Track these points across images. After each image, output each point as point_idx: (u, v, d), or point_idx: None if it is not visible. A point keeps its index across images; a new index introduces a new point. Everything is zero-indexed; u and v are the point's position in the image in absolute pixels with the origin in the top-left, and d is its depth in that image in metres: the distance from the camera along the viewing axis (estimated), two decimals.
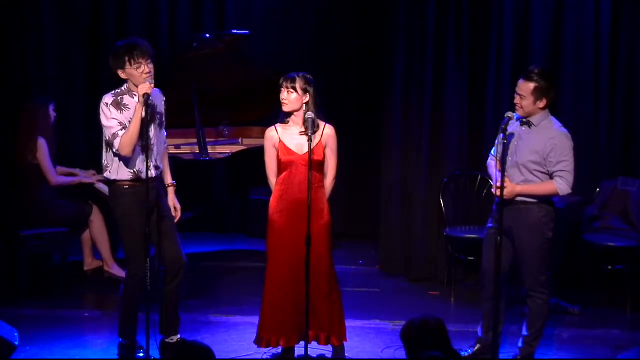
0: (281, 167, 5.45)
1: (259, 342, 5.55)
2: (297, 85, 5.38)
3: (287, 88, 5.39)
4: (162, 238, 5.53)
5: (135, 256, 5.47)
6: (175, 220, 5.70)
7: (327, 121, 5.50)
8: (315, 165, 5.38)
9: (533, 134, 5.46)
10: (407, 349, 4.10)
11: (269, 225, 5.49)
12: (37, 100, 7.20)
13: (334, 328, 5.53)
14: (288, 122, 5.46)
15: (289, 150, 5.41)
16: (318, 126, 5.43)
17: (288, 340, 5.48)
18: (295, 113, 5.43)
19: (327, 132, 5.46)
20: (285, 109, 5.42)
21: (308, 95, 5.40)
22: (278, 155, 5.44)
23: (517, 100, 5.46)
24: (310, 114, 5.33)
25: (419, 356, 3.94)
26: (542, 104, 5.43)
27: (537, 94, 5.40)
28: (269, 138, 5.48)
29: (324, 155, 5.45)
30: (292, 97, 5.39)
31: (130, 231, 5.46)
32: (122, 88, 5.44)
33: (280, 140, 5.44)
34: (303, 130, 5.41)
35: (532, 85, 5.40)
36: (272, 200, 5.49)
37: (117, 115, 5.35)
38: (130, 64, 5.33)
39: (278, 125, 5.48)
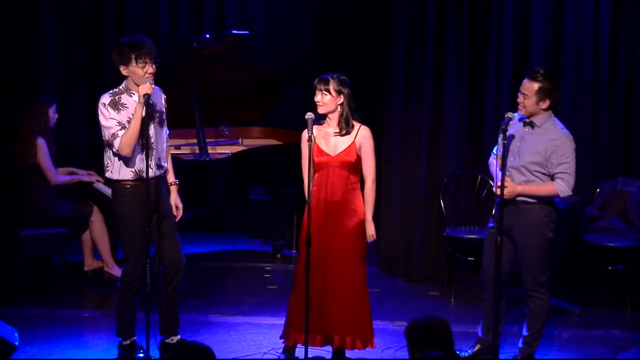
0: (314, 167, 5.43)
1: (286, 338, 5.55)
2: (331, 87, 5.35)
3: (321, 90, 5.36)
4: (162, 238, 5.53)
5: (132, 255, 5.48)
6: (177, 219, 5.70)
7: (362, 122, 5.48)
8: (347, 166, 5.38)
9: (535, 135, 5.46)
10: (409, 346, 4.10)
11: (302, 224, 5.48)
12: (39, 100, 7.20)
13: (360, 332, 5.48)
14: (323, 123, 5.45)
15: (321, 151, 5.40)
16: (352, 127, 5.41)
17: (312, 340, 5.43)
18: (330, 115, 5.40)
19: (362, 132, 5.43)
20: (320, 111, 5.38)
21: (342, 96, 5.38)
22: (312, 156, 5.43)
23: (520, 99, 5.46)
24: (309, 115, 5.31)
25: (420, 356, 3.95)
26: (544, 104, 5.43)
27: (541, 94, 5.40)
28: (304, 138, 5.44)
29: (357, 156, 5.42)
30: (326, 99, 5.36)
31: (129, 230, 5.46)
32: (120, 87, 5.44)
33: (315, 141, 5.41)
34: (338, 131, 5.41)
35: (536, 85, 5.40)
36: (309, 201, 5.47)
37: (115, 115, 5.34)
38: (137, 62, 5.33)
39: (314, 126, 5.45)
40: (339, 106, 5.39)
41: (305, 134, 5.41)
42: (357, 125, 5.44)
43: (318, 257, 5.33)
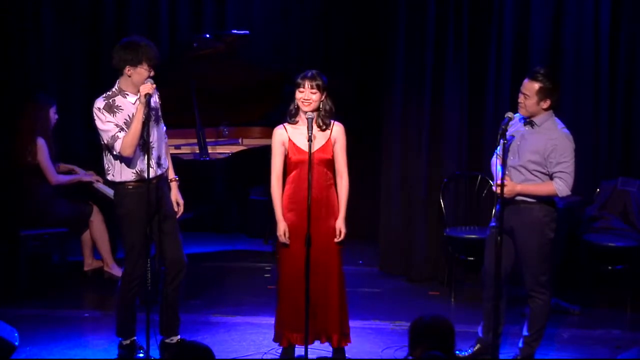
0: (291, 166, 5.42)
1: (279, 339, 5.55)
2: (320, 84, 5.34)
3: (312, 87, 5.33)
4: (164, 238, 5.54)
5: (133, 255, 5.48)
6: (178, 215, 5.70)
7: (335, 119, 5.48)
8: (324, 163, 5.37)
9: (535, 134, 5.45)
10: (410, 342, 4.11)
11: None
12: (40, 100, 7.19)
13: (344, 329, 5.52)
14: (297, 121, 5.43)
15: (298, 149, 5.38)
16: (328, 124, 5.42)
17: (302, 339, 5.42)
18: (308, 112, 5.39)
19: (336, 128, 5.43)
20: (309, 108, 5.33)
21: (325, 93, 5.39)
22: (287, 155, 5.42)
23: (520, 99, 5.46)
24: (310, 114, 5.31)
25: (421, 356, 3.95)
26: (545, 104, 5.43)
27: (541, 94, 5.39)
28: (277, 135, 5.43)
29: (333, 152, 5.42)
30: (315, 97, 5.34)
31: (131, 230, 5.46)
32: (113, 90, 5.44)
33: (290, 139, 5.40)
34: (317, 128, 5.38)
35: (537, 85, 5.39)
36: (283, 199, 5.46)
37: (112, 119, 5.35)
38: (148, 65, 5.35)
39: (286, 124, 5.45)
40: (320, 103, 5.39)
41: (277, 131, 5.42)
42: (330, 121, 5.43)
43: (303, 254, 5.33)
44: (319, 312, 5.43)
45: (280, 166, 5.44)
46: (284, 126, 5.44)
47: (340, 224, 5.41)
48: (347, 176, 5.46)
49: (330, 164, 5.42)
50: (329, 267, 5.41)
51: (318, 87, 5.34)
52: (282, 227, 5.43)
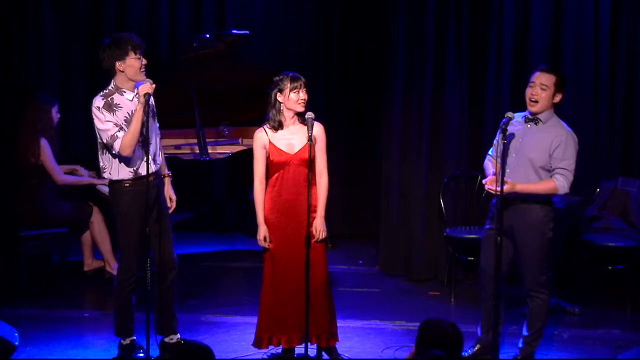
0: (272, 168, 5.41)
1: (258, 344, 5.52)
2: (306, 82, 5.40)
3: (305, 87, 5.37)
4: (158, 236, 5.52)
5: (129, 253, 5.48)
6: (170, 211, 5.70)
7: (315, 119, 5.46)
8: (305, 163, 5.33)
9: (540, 131, 5.42)
10: (417, 342, 4.15)
11: (267, 221, 5.45)
12: (41, 100, 7.18)
13: (332, 328, 5.52)
14: (282, 126, 5.41)
15: (279, 151, 5.37)
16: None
17: (289, 341, 5.45)
18: (292, 114, 5.40)
19: (316, 129, 5.39)
20: (303, 109, 5.35)
21: None
22: (269, 157, 5.41)
23: (534, 92, 5.38)
24: (310, 114, 5.31)
25: (422, 356, 3.97)
26: (557, 98, 5.40)
27: (558, 86, 5.37)
28: (258, 139, 5.41)
29: (314, 152, 5.42)
30: (306, 96, 5.37)
31: (127, 228, 5.46)
32: (110, 88, 5.43)
33: (270, 142, 5.38)
34: (294, 130, 5.39)
35: (554, 77, 5.36)
36: (266, 202, 5.45)
37: (111, 118, 5.34)
38: (135, 53, 5.33)
39: (267, 127, 5.44)
40: None
41: (257, 134, 5.40)
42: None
43: (289, 255, 5.34)
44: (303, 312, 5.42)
45: (263, 169, 5.43)
46: (264, 129, 5.43)
47: (317, 224, 5.38)
48: (326, 176, 5.44)
49: (312, 164, 5.37)
50: (314, 267, 5.33)
51: (307, 86, 5.37)
52: (262, 232, 5.43)
